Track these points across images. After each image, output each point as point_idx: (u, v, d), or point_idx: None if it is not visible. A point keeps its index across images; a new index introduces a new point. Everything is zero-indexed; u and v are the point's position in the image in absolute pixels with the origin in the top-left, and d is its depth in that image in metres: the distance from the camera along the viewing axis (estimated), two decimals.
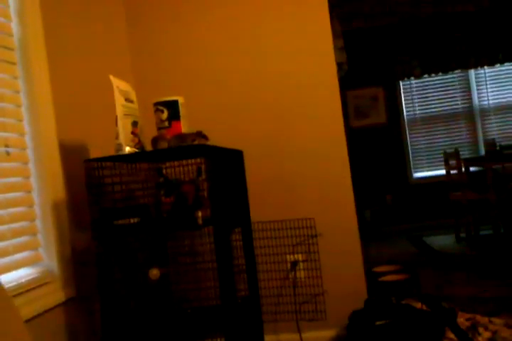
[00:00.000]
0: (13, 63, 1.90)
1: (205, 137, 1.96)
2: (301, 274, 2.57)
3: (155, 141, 1.95)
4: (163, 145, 1.94)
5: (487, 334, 2.32)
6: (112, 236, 1.88)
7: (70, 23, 2.25)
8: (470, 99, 6.37)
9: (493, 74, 6.33)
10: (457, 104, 6.41)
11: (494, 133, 6.30)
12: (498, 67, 6.30)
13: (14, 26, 1.92)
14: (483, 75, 6.35)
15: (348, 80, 6.42)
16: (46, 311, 1.78)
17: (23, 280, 1.76)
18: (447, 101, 6.43)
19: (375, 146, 6.55)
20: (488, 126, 6.33)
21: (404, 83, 6.53)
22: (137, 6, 2.75)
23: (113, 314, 1.86)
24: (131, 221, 1.87)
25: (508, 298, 3.01)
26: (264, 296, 2.58)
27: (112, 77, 1.93)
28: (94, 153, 2.25)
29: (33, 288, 1.78)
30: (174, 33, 2.72)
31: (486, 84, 6.34)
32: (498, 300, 2.97)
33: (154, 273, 1.89)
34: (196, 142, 1.91)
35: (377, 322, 2.28)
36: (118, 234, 1.90)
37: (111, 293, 1.86)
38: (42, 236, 1.92)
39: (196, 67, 2.70)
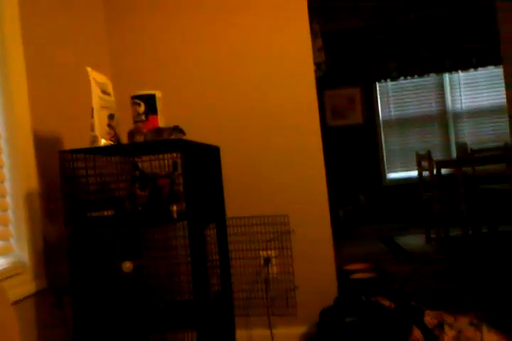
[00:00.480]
0: None
1: (182, 132, 1.96)
2: (273, 270, 2.60)
3: (131, 134, 1.95)
4: (140, 138, 1.93)
5: (452, 333, 2.37)
6: (85, 228, 1.87)
7: (48, 14, 2.23)
8: (444, 102, 6.49)
9: (466, 78, 6.45)
10: (431, 107, 6.52)
11: (466, 136, 6.43)
12: (471, 72, 6.43)
13: None
14: (457, 79, 6.47)
15: (327, 80, 6.48)
16: (16, 302, 1.76)
17: None
18: (422, 104, 6.54)
19: (351, 146, 6.62)
20: (461, 129, 6.46)
21: (380, 85, 6.61)
22: None
23: (84, 306, 1.85)
24: (105, 213, 1.86)
25: (474, 297, 3.08)
26: (236, 291, 2.60)
27: (89, 69, 1.91)
28: (69, 145, 2.23)
29: (3, 279, 1.76)
30: (153, 26, 2.71)
31: (460, 89, 6.46)
32: (464, 299, 3.04)
33: (127, 266, 1.88)
34: (173, 136, 1.92)
35: (347, 319, 2.31)
36: (91, 226, 1.89)
37: (82, 285, 1.86)
38: (13, 227, 1.90)
39: (174, 61, 2.70)
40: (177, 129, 1.95)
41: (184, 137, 1.96)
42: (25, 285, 1.84)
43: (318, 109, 2.64)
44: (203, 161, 2.16)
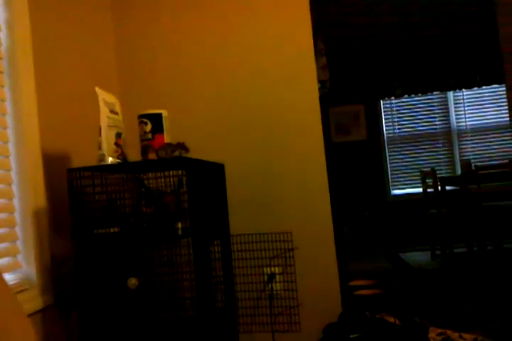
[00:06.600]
0: (0, 72, 1.93)
1: (185, 148, 2.00)
2: (277, 287, 2.61)
3: (144, 149, 1.99)
4: (152, 156, 1.97)
5: None
6: (91, 244, 1.90)
7: (59, 35, 2.29)
8: (448, 120, 6.52)
9: (471, 96, 6.49)
10: (435, 125, 6.55)
11: (470, 154, 6.45)
12: (475, 90, 6.47)
13: (3, 36, 1.95)
14: (461, 97, 6.51)
15: (331, 97, 6.54)
16: None
17: None
18: (426, 122, 6.57)
19: (355, 163, 6.65)
20: (465, 146, 6.48)
21: (384, 102, 6.66)
22: (125, 19, 2.80)
23: (90, 322, 1.87)
24: (112, 230, 1.90)
25: (479, 314, 3.07)
26: (240, 307, 2.61)
27: (97, 89, 1.96)
28: (77, 163, 2.28)
29: None
30: (161, 48, 2.77)
31: (464, 106, 6.50)
32: (469, 316, 3.03)
33: (133, 282, 1.91)
34: (176, 153, 1.95)
35: (351, 336, 2.31)
36: (97, 243, 1.92)
37: (88, 301, 1.88)
38: (21, 243, 1.93)
39: (180, 81, 2.75)
40: (181, 146, 1.99)
41: (189, 155, 2.00)
42: (33, 301, 1.87)
43: (323, 126, 2.67)
44: (208, 178, 2.20)
